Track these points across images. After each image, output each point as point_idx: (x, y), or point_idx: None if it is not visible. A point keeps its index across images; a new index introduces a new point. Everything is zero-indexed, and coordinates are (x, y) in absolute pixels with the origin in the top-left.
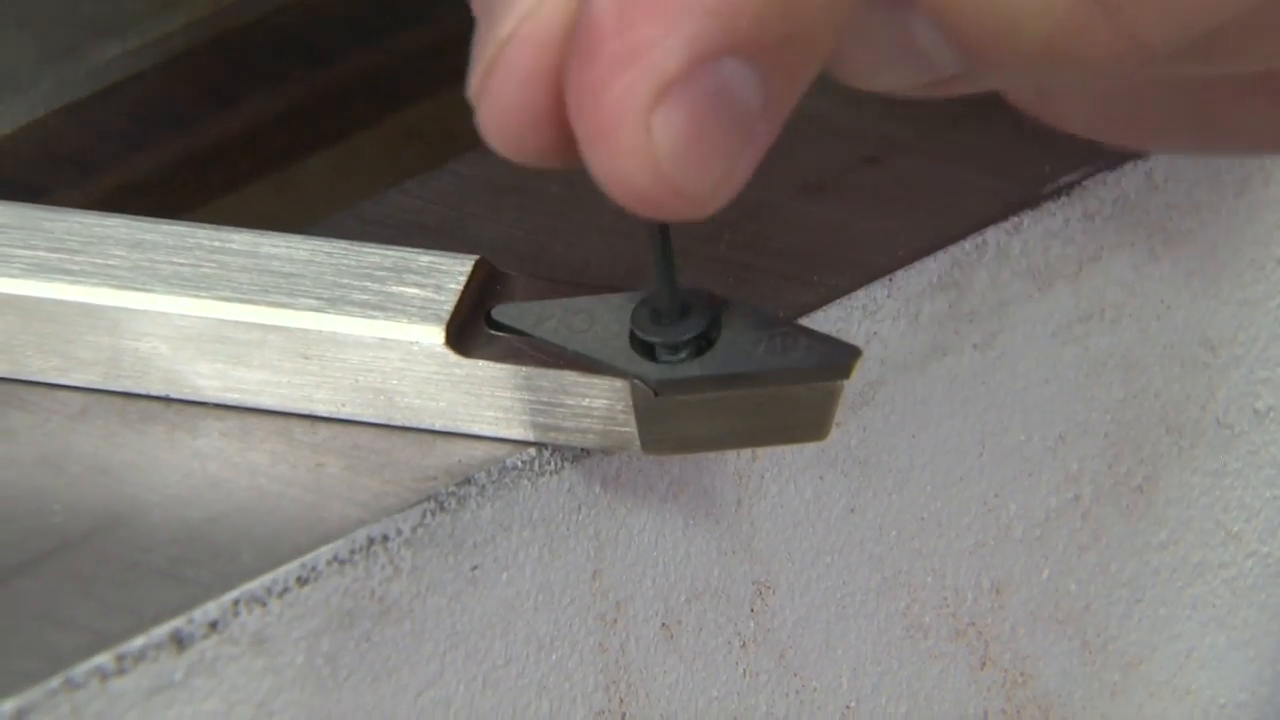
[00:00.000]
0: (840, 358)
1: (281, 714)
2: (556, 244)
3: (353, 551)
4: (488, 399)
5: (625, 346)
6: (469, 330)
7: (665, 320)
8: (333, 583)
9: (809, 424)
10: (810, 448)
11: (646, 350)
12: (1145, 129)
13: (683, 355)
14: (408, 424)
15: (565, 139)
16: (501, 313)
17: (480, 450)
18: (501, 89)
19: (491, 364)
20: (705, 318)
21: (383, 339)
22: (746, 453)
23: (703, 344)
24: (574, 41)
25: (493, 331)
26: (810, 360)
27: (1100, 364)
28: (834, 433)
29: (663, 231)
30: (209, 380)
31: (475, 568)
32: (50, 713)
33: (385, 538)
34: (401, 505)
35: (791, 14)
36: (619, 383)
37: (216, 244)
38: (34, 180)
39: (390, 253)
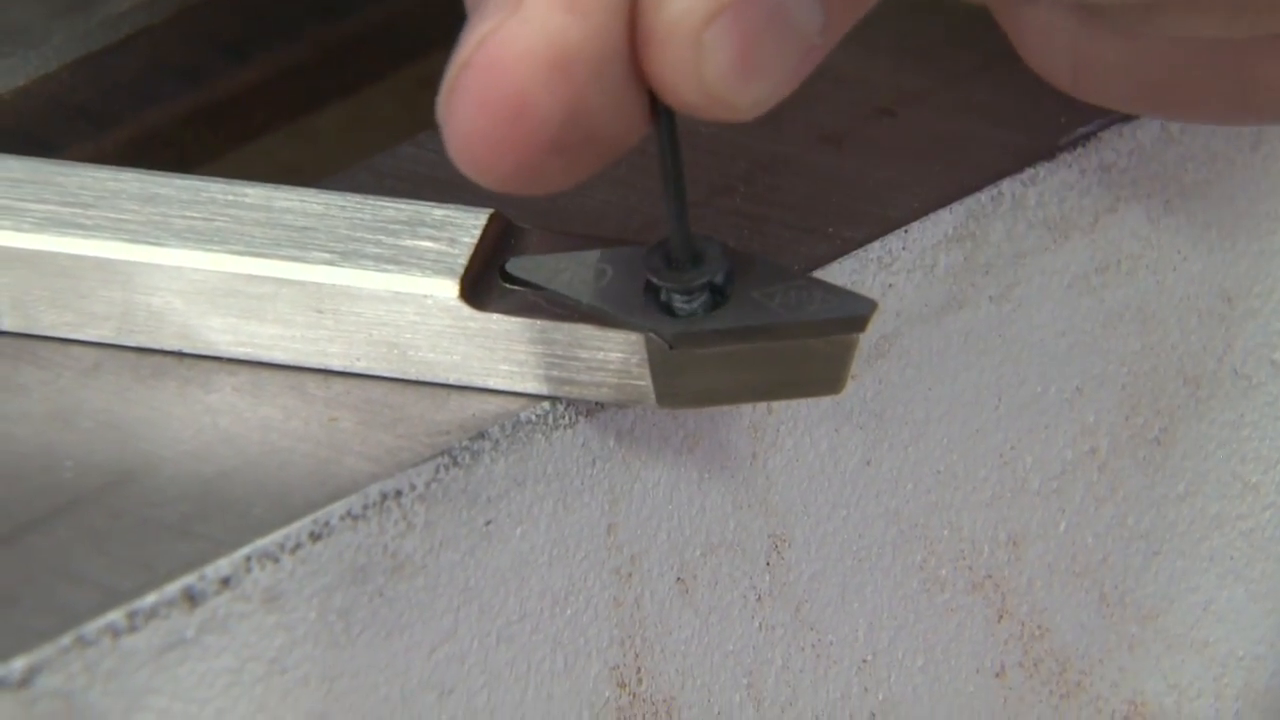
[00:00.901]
0: (856, 310)
1: (294, 670)
2: (570, 197)
3: (366, 507)
4: (502, 353)
5: (640, 299)
6: (483, 284)
7: (679, 264)
8: (346, 538)
9: (825, 377)
10: (826, 401)
11: (662, 303)
12: (1182, 100)
13: (697, 304)
14: (421, 378)
15: (528, 167)
16: (516, 266)
17: (494, 404)
18: (462, 112)
19: (506, 318)
20: (719, 265)
21: (397, 293)
22: (762, 406)
23: (718, 297)
24: None
25: (507, 285)
26: (826, 313)
27: (1117, 316)
28: (850, 386)
29: (674, 158)
30: (222, 335)
31: (489, 523)
32: (62, 670)
33: (399, 493)
34: (415, 460)
35: None
36: (634, 336)
37: (230, 198)
38: (47, 134)
39: (404, 206)
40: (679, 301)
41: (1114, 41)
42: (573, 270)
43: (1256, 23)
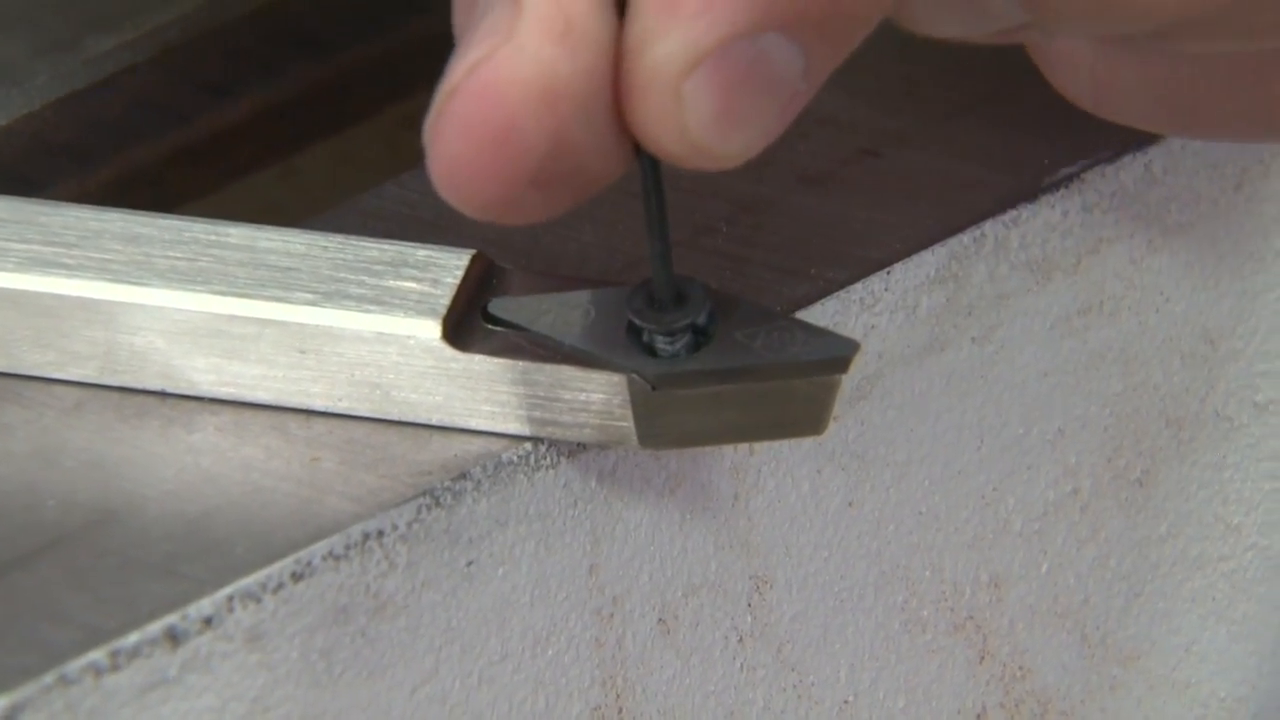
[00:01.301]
0: (839, 351)
1: (276, 710)
2: (552, 238)
3: (348, 547)
4: (484, 394)
5: (623, 340)
6: (466, 325)
7: (661, 305)
8: (328, 578)
9: (806, 418)
10: (808, 442)
11: (644, 344)
12: (1204, 118)
13: (679, 345)
14: (404, 419)
15: (509, 195)
16: (498, 307)
17: (476, 445)
18: (449, 136)
19: (488, 359)
20: (702, 306)
21: (379, 333)
22: (744, 447)
23: (700, 338)
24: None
25: (489, 326)
26: (808, 354)
27: (1099, 357)
28: (831, 427)
29: (658, 199)
30: (205, 375)
31: (471, 563)
32: (44, 709)
33: (380, 533)
34: (397, 500)
35: None
36: (616, 377)
37: (213, 238)
38: (30, 173)
39: (387, 247)
40: (661, 342)
41: (1132, 61)
42: (555, 311)
43: (1272, 37)
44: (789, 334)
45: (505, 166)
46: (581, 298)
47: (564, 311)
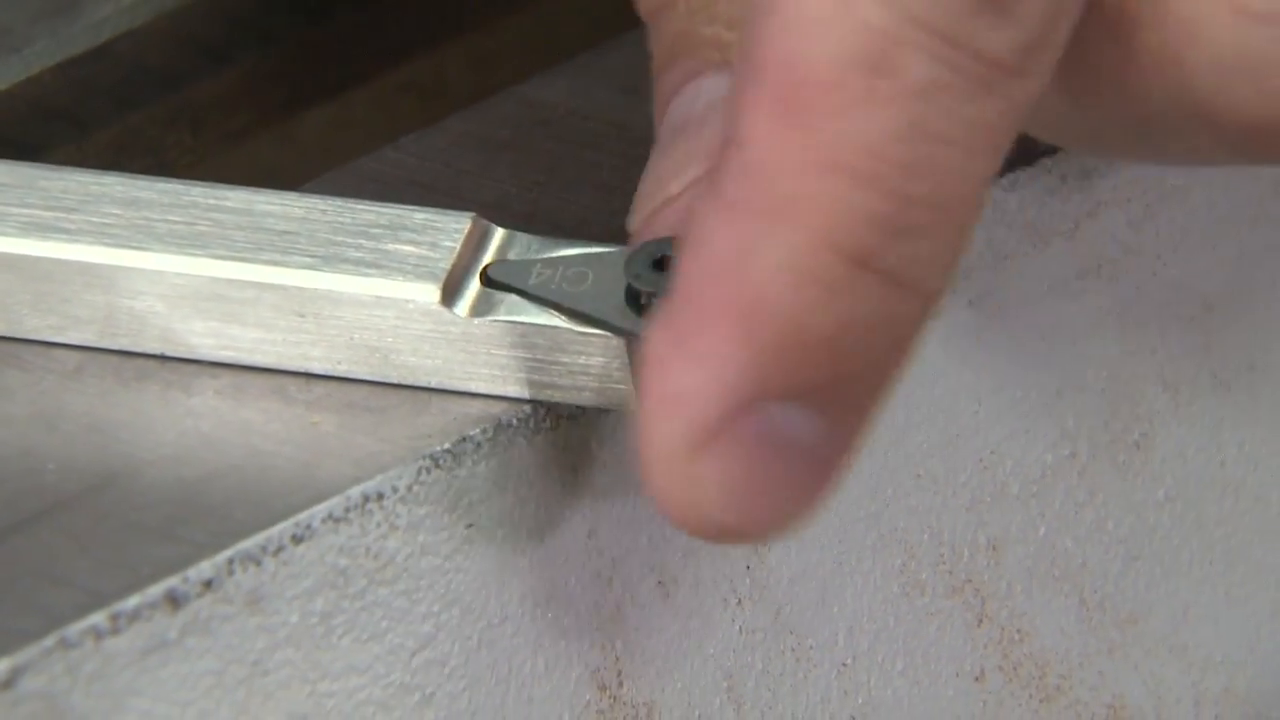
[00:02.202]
0: None
1: (276, 673)
2: (552, 200)
3: (348, 509)
4: (483, 356)
5: (621, 302)
6: (464, 288)
7: (660, 267)
8: (327, 541)
9: None
10: None
11: (643, 307)
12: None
13: None
14: (403, 381)
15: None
16: (497, 270)
17: (476, 408)
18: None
19: (486, 321)
20: None
21: (378, 297)
22: None
23: None
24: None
25: (488, 289)
26: None
27: (1097, 321)
28: None
29: None
30: (204, 338)
31: (470, 526)
32: (45, 672)
33: (380, 495)
34: (396, 463)
35: (840, 354)
36: (615, 340)
37: (211, 202)
38: (29, 138)
39: (385, 210)
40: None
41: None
42: (554, 274)
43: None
44: None
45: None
46: (580, 260)
47: (563, 274)
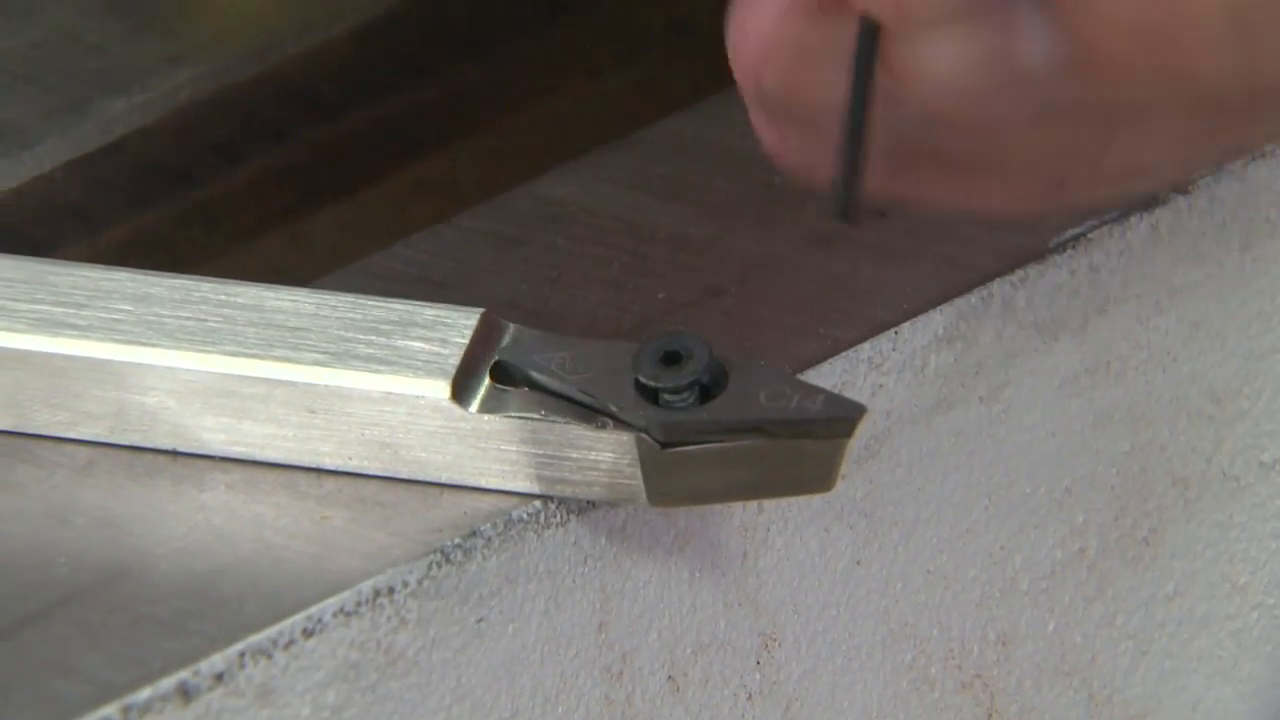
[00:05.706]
0: (845, 414)
1: None
2: (563, 296)
3: (359, 603)
4: (493, 452)
5: (630, 393)
6: (474, 384)
7: (668, 362)
8: (339, 634)
9: (815, 476)
10: (816, 500)
11: (650, 397)
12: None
13: (686, 402)
14: (413, 477)
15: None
16: (507, 365)
17: (486, 503)
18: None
19: (497, 417)
20: (705, 362)
21: (389, 393)
22: (753, 505)
23: (706, 397)
24: None
25: (498, 385)
26: (816, 414)
27: (1106, 416)
28: (840, 485)
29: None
30: (215, 434)
31: (481, 620)
32: None
33: (391, 590)
34: (407, 557)
35: None
36: (625, 436)
37: (222, 298)
38: (40, 234)
39: (396, 306)
40: (668, 399)
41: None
42: (563, 369)
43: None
44: (795, 394)
45: None
46: (589, 355)
47: (572, 369)
